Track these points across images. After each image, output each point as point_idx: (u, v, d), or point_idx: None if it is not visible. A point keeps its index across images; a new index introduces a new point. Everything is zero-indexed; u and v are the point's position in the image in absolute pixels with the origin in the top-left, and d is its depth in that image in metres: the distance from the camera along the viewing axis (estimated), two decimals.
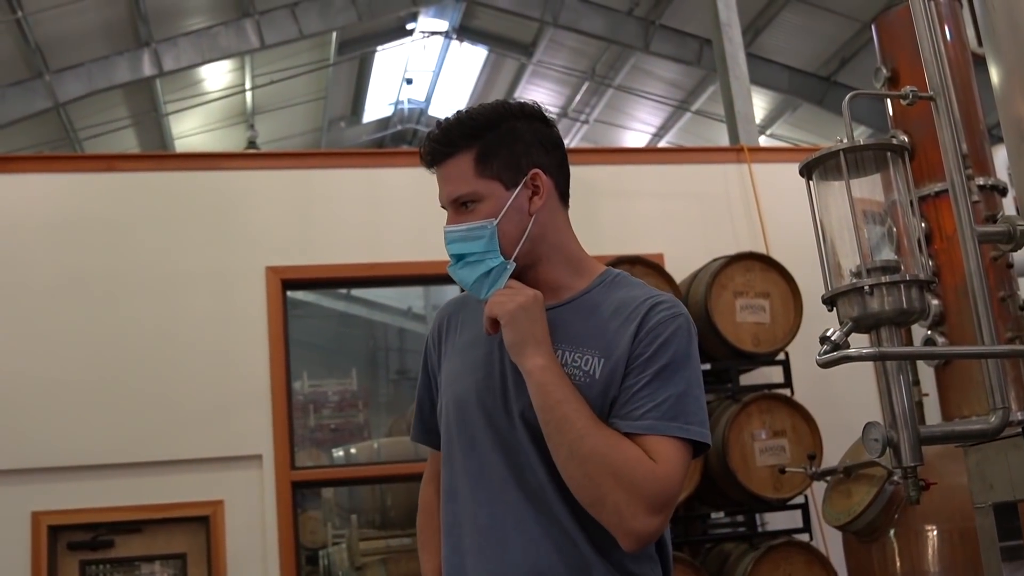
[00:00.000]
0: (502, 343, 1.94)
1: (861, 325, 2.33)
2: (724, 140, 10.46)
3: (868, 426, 2.33)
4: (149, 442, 5.35)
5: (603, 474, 1.79)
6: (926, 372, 4.10)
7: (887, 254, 2.41)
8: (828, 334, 2.27)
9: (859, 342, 2.31)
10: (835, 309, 2.39)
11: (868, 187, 2.42)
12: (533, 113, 2.03)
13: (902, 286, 2.31)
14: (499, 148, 1.96)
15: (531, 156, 1.98)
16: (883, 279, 2.31)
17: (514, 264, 1.96)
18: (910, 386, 2.34)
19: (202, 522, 5.35)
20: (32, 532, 5.13)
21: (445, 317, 2.16)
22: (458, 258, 1.98)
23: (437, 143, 1.98)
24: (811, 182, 2.49)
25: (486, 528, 1.93)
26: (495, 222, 1.94)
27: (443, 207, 2.02)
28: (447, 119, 2.00)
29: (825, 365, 2.24)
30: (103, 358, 5.42)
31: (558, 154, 2.04)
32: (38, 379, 5.33)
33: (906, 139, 3.84)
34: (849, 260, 2.38)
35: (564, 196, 2.05)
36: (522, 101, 2.04)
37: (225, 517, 5.34)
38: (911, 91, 2.50)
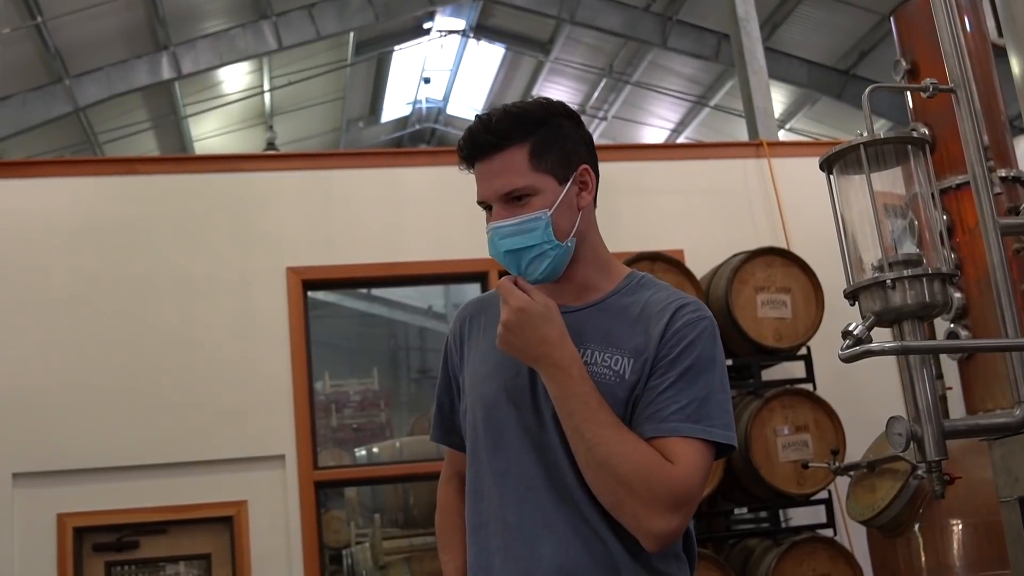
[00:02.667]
0: None
1: (883, 319, 2.32)
2: (743, 135, 10.41)
3: (892, 420, 2.32)
4: (172, 444, 5.38)
5: (616, 482, 1.81)
6: (950, 366, 4.08)
7: (909, 247, 2.39)
8: (850, 328, 2.25)
9: (881, 336, 2.29)
10: (857, 303, 2.38)
11: (889, 180, 2.40)
12: (573, 113, 2.05)
13: (924, 279, 2.29)
14: (552, 143, 1.96)
15: (579, 154, 2.00)
16: (905, 272, 2.28)
17: (575, 239, 1.96)
18: (933, 380, 2.32)
19: (226, 522, 5.38)
20: (58, 534, 5.17)
21: (466, 318, 2.15)
22: (513, 255, 1.94)
23: (489, 134, 1.94)
24: (832, 176, 2.47)
25: (514, 528, 1.93)
26: (549, 212, 1.93)
27: (482, 203, 1.99)
28: (489, 114, 1.97)
29: (847, 360, 2.22)
30: (125, 360, 5.45)
31: (595, 154, 2.06)
32: (61, 382, 5.36)
33: (927, 132, 3.81)
34: (870, 254, 2.36)
35: (595, 198, 2.06)
36: (558, 101, 2.05)
37: (249, 517, 5.37)
38: (931, 83, 2.49)
